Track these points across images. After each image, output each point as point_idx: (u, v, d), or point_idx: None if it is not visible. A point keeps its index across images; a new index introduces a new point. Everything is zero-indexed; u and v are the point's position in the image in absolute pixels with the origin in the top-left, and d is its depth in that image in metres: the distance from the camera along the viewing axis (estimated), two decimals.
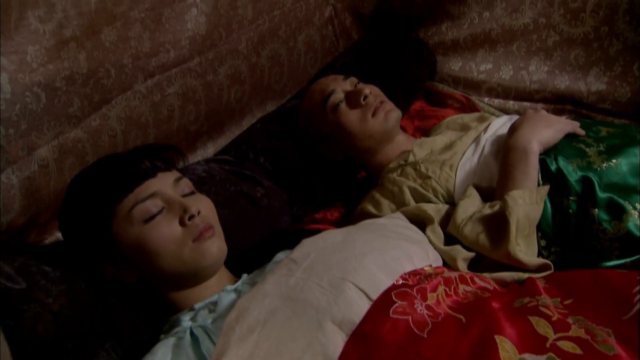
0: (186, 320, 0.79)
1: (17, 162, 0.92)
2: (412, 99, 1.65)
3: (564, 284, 0.74)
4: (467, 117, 1.36)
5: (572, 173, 0.97)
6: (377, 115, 1.22)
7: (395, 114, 1.24)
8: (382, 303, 0.67)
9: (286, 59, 1.51)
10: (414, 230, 0.93)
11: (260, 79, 1.43)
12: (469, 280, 0.76)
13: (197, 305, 0.82)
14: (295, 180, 1.25)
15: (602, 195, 0.93)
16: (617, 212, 0.92)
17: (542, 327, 0.67)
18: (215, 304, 0.81)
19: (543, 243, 0.97)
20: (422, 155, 1.21)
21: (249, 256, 0.99)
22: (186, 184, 0.87)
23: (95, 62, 1.01)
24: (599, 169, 0.97)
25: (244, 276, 0.88)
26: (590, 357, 0.61)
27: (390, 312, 0.65)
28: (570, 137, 1.06)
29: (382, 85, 1.43)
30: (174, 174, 0.86)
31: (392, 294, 0.68)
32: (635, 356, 0.62)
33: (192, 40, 1.19)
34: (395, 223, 0.93)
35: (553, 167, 0.99)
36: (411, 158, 1.21)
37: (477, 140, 1.17)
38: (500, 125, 1.19)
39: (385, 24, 1.74)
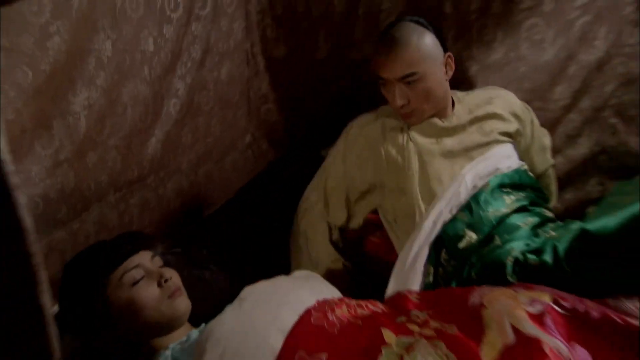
0: (165, 353, 1.08)
1: None
2: None
3: (430, 299, 1.11)
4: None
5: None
6: None
7: None
8: (306, 315, 1.01)
9: (217, 177, 1.89)
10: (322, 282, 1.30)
11: (197, 193, 1.80)
12: (364, 306, 1.12)
13: (171, 345, 1.11)
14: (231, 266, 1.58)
15: None
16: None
17: (412, 326, 1.03)
18: (185, 342, 1.11)
19: None
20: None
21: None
22: (158, 260, 1.19)
23: (81, 178, 1.31)
24: None
25: (203, 325, 1.18)
26: (440, 336, 0.97)
27: (312, 320, 1.00)
28: None
29: (293, 196, 1.81)
30: (149, 253, 1.19)
31: (312, 310, 1.03)
32: (467, 337, 0.98)
33: (150, 162, 1.53)
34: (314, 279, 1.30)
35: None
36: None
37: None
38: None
39: (295, 146, 2.13)
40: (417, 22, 1.44)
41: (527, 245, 1.25)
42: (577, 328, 0.93)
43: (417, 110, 1.44)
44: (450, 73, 1.48)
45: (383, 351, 0.92)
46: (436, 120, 1.49)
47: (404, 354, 0.91)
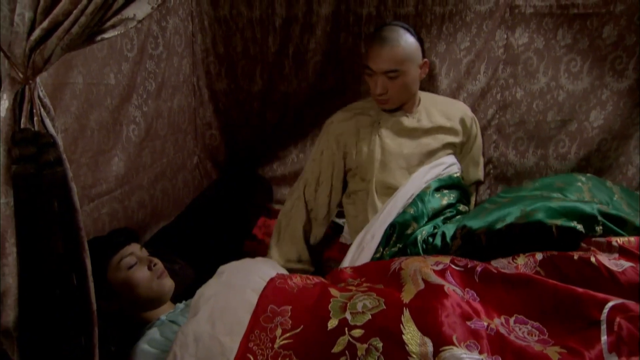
0: (161, 318, 1.33)
1: None
2: (257, 216, 2.36)
3: (361, 270, 1.44)
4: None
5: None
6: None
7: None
8: (271, 281, 1.31)
9: (171, 192, 2.15)
10: (278, 265, 1.59)
11: (155, 205, 2.04)
12: (311, 278, 1.43)
13: (162, 317, 1.36)
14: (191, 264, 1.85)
15: None
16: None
17: (349, 287, 1.35)
18: (174, 312, 1.36)
19: None
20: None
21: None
22: (145, 250, 1.45)
23: None
24: None
25: (184, 301, 1.44)
26: (371, 290, 1.29)
27: (276, 284, 1.30)
28: None
29: (233, 209, 2.10)
30: (138, 245, 1.44)
31: (275, 278, 1.33)
32: (392, 290, 1.31)
33: (115, 178, 1.78)
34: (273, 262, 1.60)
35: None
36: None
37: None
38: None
39: (235, 166, 2.45)
40: (406, 28, 1.70)
41: (433, 228, 1.63)
42: (467, 278, 1.30)
43: (391, 99, 1.72)
44: (423, 76, 1.77)
45: (332, 301, 1.24)
46: (403, 118, 1.78)
47: (347, 301, 1.23)
